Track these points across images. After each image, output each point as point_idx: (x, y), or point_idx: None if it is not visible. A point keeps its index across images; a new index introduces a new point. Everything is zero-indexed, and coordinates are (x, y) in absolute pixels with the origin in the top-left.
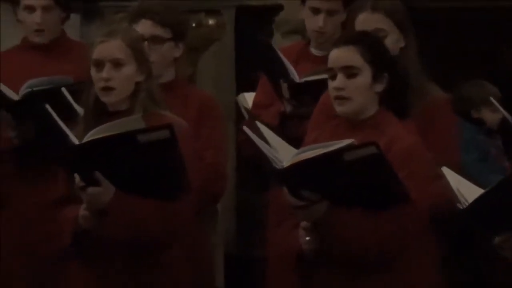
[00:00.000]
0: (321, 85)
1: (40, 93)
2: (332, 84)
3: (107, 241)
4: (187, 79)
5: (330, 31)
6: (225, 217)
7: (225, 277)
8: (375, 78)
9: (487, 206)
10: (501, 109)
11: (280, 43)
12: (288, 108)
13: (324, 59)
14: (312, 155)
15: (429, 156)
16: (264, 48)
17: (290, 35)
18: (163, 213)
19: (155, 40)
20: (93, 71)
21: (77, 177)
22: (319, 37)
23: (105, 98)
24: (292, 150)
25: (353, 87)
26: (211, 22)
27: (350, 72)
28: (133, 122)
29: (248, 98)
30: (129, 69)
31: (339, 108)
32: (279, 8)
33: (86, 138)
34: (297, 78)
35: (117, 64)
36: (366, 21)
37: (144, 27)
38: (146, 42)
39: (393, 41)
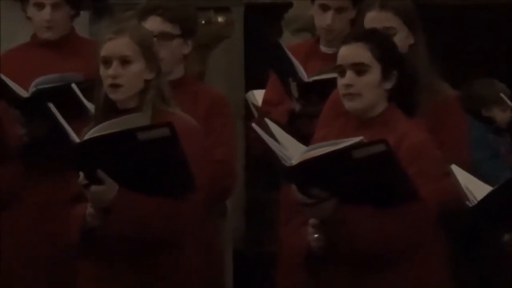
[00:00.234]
0: (330, 85)
1: (50, 91)
2: (341, 81)
3: (114, 239)
4: (196, 76)
5: (339, 28)
6: (234, 214)
7: (234, 274)
8: (384, 75)
9: (496, 204)
10: None
11: (289, 40)
12: (297, 106)
13: (334, 56)
14: (321, 153)
15: (438, 153)
16: (273, 47)
17: (300, 32)
18: (167, 211)
19: (164, 36)
20: (101, 69)
21: (80, 175)
22: (328, 35)
23: (113, 95)
24: (301, 147)
25: (362, 84)
26: (220, 19)
27: (360, 69)
28: (135, 120)
29: (258, 96)
30: (137, 67)
31: (349, 104)
32: (288, 5)
33: (87, 136)
34: (305, 77)
35: (124, 61)
36: (374, 19)
37: (153, 23)
38: (155, 39)
39: (402, 39)
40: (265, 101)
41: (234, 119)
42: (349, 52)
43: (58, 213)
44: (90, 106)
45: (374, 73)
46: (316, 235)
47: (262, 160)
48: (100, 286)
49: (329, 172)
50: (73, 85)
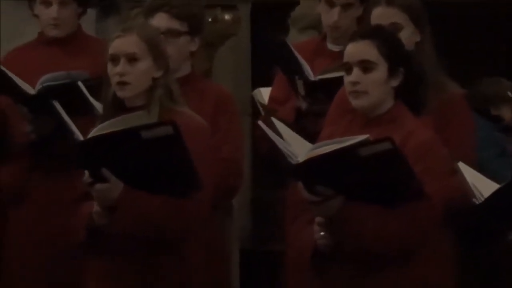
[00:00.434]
0: (337, 83)
1: (56, 88)
2: (348, 79)
3: (119, 238)
4: (203, 73)
5: (345, 25)
6: (240, 212)
7: (240, 272)
8: (391, 73)
9: (503, 202)
10: None
11: (296, 38)
12: (303, 105)
13: (340, 54)
14: (327, 151)
15: (445, 151)
16: (279, 46)
17: (306, 30)
18: (172, 209)
19: (171, 33)
20: (109, 66)
21: (86, 173)
22: (334, 32)
23: (120, 93)
24: (307, 145)
25: (369, 82)
26: (227, 17)
27: (366, 66)
28: (141, 118)
29: (264, 93)
30: (144, 64)
31: (355, 102)
32: (295, 3)
33: (91, 134)
34: (312, 76)
35: (132, 59)
36: (381, 15)
37: (160, 20)
38: (162, 36)
39: (408, 36)
40: (271, 98)
41: (241, 117)
42: (355, 50)
43: (63, 211)
44: (96, 103)
45: (381, 71)
46: (322, 233)
47: (268, 158)
48: (106, 284)
49: (335, 170)
50: (79, 83)
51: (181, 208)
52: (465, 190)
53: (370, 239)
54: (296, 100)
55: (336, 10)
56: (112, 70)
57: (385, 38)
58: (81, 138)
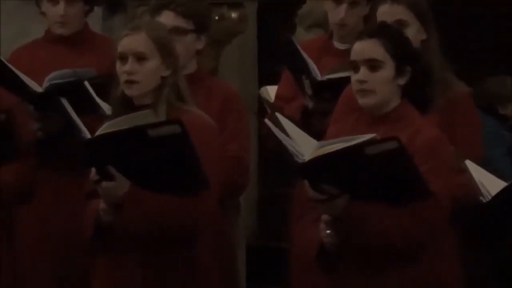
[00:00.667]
0: (344, 82)
1: (63, 86)
2: (355, 77)
3: (126, 235)
4: (209, 71)
5: (352, 23)
6: (247, 210)
7: (247, 269)
8: (398, 71)
9: (510, 200)
10: None
11: (302, 36)
12: (310, 103)
13: (347, 52)
14: (334, 149)
15: (452, 149)
16: (285, 45)
17: (313, 28)
18: (178, 208)
19: (177, 31)
20: (118, 65)
21: (92, 170)
22: (341, 30)
23: (128, 91)
24: (313, 142)
25: (376, 80)
26: (233, 15)
27: (373, 65)
28: (148, 116)
29: (271, 91)
30: (152, 63)
31: (362, 100)
32: (301, 1)
33: (99, 132)
34: (319, 76)
35: (140, 57)
36: (386, 12)
37: (167, 18)
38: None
39: (414, 33)
40: (277, 96)
41: (247, 114)
42: (362, 48)
43: (70, 209)
44: (101, 102)
45: (388, 69)
46: (328, 232)
47: (275, 156)
48: (112, 281)
49: (341, 168)
50: (85, 83)
51: (187, 206)
52: (472, 188)
53: (375, 237)
54: (303, 98)
55: (343, 7)
56: (121, 69)
57: (392, 36)
58: (88, 136)
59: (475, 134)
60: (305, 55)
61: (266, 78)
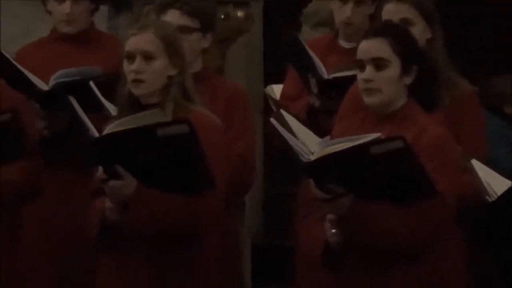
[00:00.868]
0: (350, 81)
1: (69, 84)
2: (361, 76)
3: (132, 234)
4: (215, 70)
5: (358, 22)
6: (252, 208)
7: (252, 268)
8: (404, 70)
9: None
10: None
11: (308, 35)
12: (316, 102)
13: (353, 51)
14: (339, 149)
15: (457, 148)
16: (292, 43)
17: (319, 27)
18: (185, 207)
19: (183, 30)
20: (125, 64)
21: (100, 169)
22: (347, 28)
23: (135, 90)
24: (319, 141)
25: (382, 79)
26: (239, 14)
27: (379, 64)
28: (155, 116)
29: (277, 90)
30: (160, 63)
31: (368, 99)
32: (307, 0)
33: (106, 131)
34: (325, 74)
35: (147, 57)
36: (392, 11)
37: (172, 17)
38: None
39: (419, 32)
40: (283, 95)
41: (253, 113)
42: (369, 47)
43: (75, 208)
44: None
45: (394, 68)
46: (333, 231)
47: (280, 154)
48: (118, 280)
49: (347, 168)
50: (91, 83)
51: (194, 206)
52: (478, 187)
53: (381, 236)
54: (309, 97)
55: (349, 6)
56: (128, 68)
57: (398, 35)
58: (96, 134)
59: (479, 133)
60: (311, 53)
61: (272, 77)
